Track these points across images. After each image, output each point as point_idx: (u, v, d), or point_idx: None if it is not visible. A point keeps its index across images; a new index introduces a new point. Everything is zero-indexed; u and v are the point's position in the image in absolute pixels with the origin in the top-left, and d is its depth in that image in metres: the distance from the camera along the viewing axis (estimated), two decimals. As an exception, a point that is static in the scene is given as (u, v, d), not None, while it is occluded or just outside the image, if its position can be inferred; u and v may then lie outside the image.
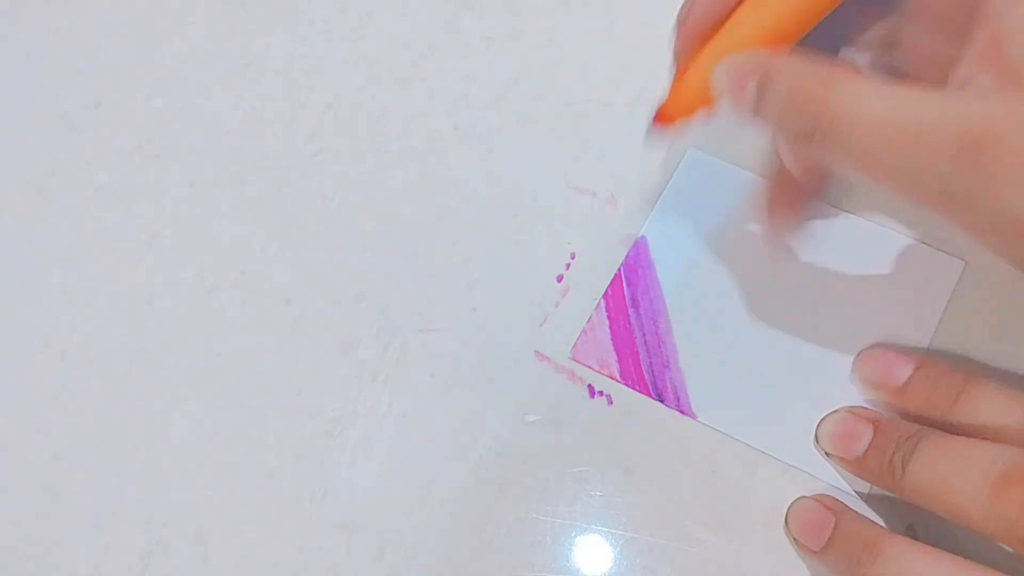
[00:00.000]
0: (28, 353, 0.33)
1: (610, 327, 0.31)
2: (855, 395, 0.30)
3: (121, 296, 0.33)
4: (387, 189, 0.34)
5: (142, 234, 0.34)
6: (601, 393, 0.31)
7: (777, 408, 0.30)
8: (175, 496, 0.30)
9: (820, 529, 0.27)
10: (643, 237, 0.33)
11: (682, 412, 0.30)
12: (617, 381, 0.31)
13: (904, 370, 0.28)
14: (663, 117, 0.29)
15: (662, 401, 0.30)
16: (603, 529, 0.29)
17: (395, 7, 0.38)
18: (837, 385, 0.30)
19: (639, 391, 0.31)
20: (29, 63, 0.37)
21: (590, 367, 0.31)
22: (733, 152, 0.34)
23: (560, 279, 0.33)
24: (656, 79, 0.35)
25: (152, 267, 0.34)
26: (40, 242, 0.34)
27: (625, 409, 0.31)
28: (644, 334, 0.31)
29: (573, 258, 0.33)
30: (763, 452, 0.30)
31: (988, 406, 0.26)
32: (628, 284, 0.32)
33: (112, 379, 0.32)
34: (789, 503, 0.29)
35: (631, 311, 0.32)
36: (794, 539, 0.28)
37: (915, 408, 0.28)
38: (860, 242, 0.32)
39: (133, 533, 0.30)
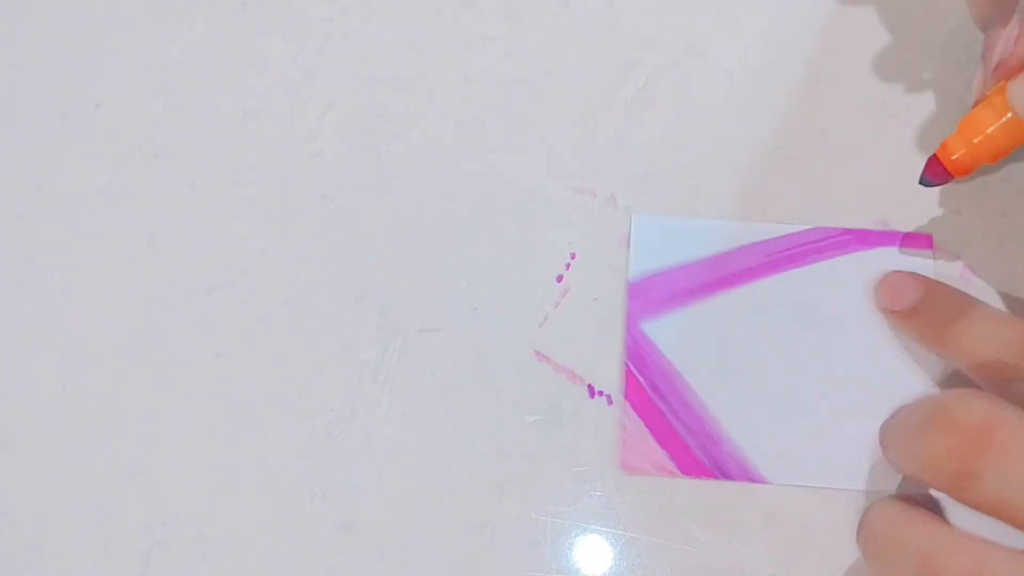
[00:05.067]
0: (28, 353, 0.33)
1: (646, 425, 0.30)
2: (886, 402, 0.29)
3: (121, 296, 0.33)
4: (387, 189, 0.34)
5: (142, 234, 0.34)
6: (601, 393, 0.31)
7: (831, 440, 0.30)
8: (175, 496, 0.30)
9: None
10: (632, 320, 0.31)
11: (754, 482, 0.29)
12: (679, 476, 0.30)
13: (912, 295, 0.30)
14: (951, 161, 0.30)
15: (731, 479, 0.30)
16: (603, 529, 0.29)
17: (395, 7, 0.38)
18: (868, 397, 0.30)
19: (706, 477, 0.30)
20: (29, 63, 0.37)
21: (648, 473, 0.30)
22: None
23: (560, 279, 0.33)
24: (656, 79, 0.36)
25: (152, 267, 0.34)
26: (40, 242, 0.34)
27: (625, 409, 0.30)
28: (680, 418, 0.30)
29: (573, 258, 0.33)
30: (845, 490, 0.29)
31: (979, 327, 0.28)
32: (641, 375, 0.31)
33: (112, 379, 0.32)
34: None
35: (657, 400, 0.30)
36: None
37: (918, 328, 0.30)
38: (856, 250, 0.32)
39: (133, 533, 0.30)
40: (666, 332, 0.31)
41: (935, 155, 0.30)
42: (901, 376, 0.30)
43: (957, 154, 0.30)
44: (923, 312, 0.30)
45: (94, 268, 0.34)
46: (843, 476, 0.29)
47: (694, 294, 0.32)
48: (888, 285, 0.31)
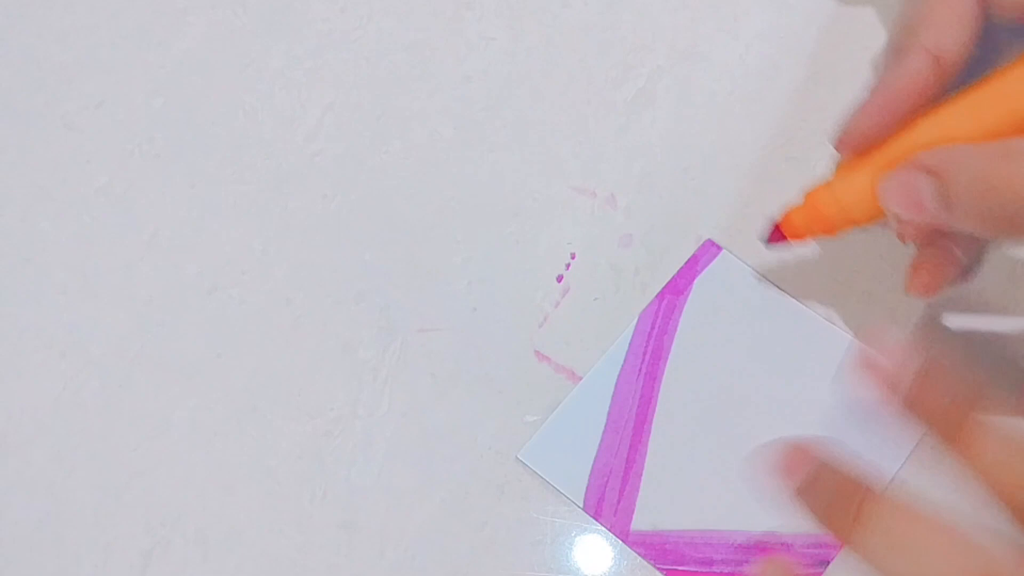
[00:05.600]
0: (28, 353, 0.33)
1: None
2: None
3: (121, 296, 0.33)
4: (387, 189, 0.34)
5: (142, 234, 0.34)
6: (601, 393, 0.31)
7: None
8: (175, 496, 0.30)
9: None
10: (622, 534, 0.29)
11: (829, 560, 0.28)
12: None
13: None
14: (792, 232, 0.29)
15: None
16: (603, 529, 0.29)
17: (395, 7, 0.38)
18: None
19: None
20: (29, 63, 0.37)
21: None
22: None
23: (560, 279, 0.33)
24: (656, 79, 0.36)
25: (152, 267, 0.34)
26: (40, 242, 0.34)
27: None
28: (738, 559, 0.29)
29: (573, 258, 0.33)
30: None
31: (999, 438, 0.24)
32: (676, 562, 0.29)
33: (112, 379, 0.32)
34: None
35: (709, 570, 0.29)
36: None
37: (930, 417, 0.26)
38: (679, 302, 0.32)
39: (133, 533, 0.30)
40: (653, 509, 0.29)
41: (777, 223, 0.29)
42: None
43: (797, 226, 0.29)
44: (937, 401, 0.25)
45: (94, 268, 0.34)
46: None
47: (635, 449, 0.30)
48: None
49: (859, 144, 0.26)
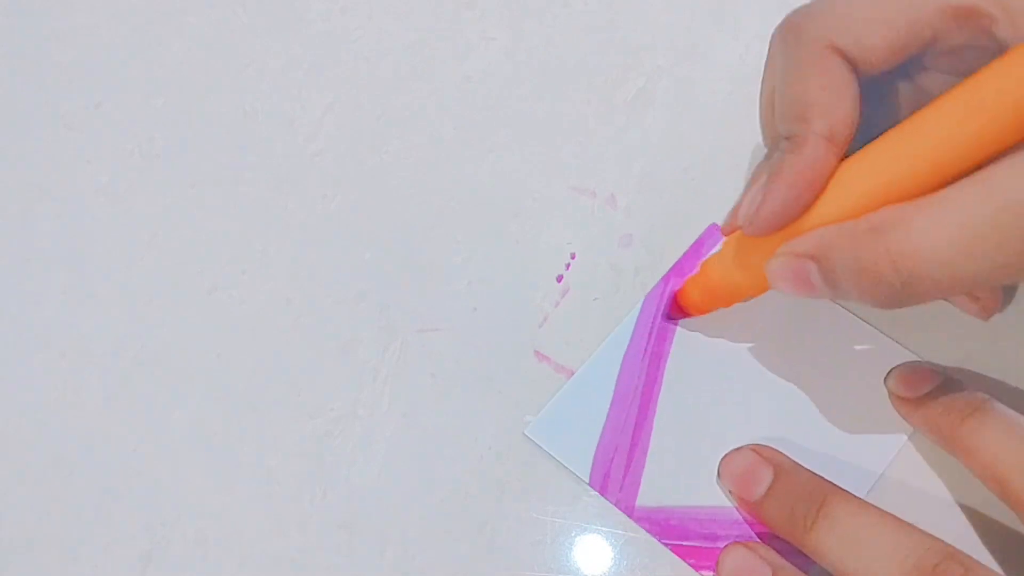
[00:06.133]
0: (28, 353, 0.33)
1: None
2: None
3: (121, 296, 0.33)
4: (387, 189, 0.34)
5: (142, 234, 0.34)
6: (601, 393, 0.31)
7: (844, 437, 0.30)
8: (175, 496, 0.30)
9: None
10: (628, 510, 0.29)
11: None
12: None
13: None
14: (688, 302, 0.30)
15: None
16: (603, 529, 0.29)
17: (395, 7, 0.38)
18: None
19: None
20: (29, 63, 0.37)
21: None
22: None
23: (560, 279, 0.33)
24: (656, 79, 0.36)
25: (152, 267, 0.34)
26: (40, 242, 0.34)
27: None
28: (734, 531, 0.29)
29: (573, 258, 0.33)
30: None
31: (991, 434, 0.26)
32: (682, 537, 0.29)
33: (112, 379, 0.32)
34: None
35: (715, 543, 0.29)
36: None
37: (928, 421, 0.28)
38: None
39: (133, 533, 0.30)
40: (658, 485, 0.29)
41: (675, 294, 0.31)
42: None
43: (693, 296, 0.30)
44: (935, 405, 0.28)
45: (94, 268, 0.34)
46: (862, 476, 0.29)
47: (640, 427, 0.30)
48: (902, 373, 0.29)
49: (766, 230, 0.25)
